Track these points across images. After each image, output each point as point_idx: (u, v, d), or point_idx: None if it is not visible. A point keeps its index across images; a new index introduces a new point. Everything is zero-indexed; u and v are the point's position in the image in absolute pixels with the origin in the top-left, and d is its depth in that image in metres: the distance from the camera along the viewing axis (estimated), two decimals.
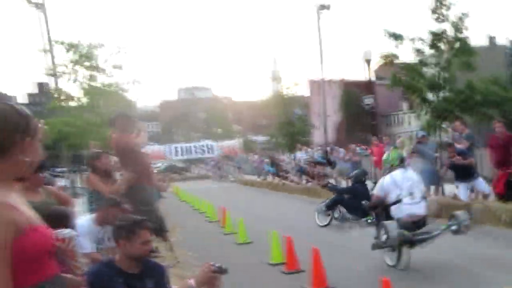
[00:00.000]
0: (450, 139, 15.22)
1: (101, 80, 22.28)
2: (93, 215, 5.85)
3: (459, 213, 8.03)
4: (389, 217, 7.89)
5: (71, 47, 21.65)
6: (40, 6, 24.85)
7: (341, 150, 21.73)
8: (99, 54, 21.87)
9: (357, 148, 23.41)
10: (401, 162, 8.36)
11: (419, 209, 7.86)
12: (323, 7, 30.78)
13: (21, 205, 1.99)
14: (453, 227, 7.75)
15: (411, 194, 7.87)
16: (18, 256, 1.88)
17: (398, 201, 7.85)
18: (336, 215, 12.83)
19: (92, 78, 22.07)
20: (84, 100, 22.50)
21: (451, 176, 13.25)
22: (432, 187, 14.18)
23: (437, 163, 14.65)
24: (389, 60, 17.08)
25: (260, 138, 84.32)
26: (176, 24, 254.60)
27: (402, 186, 7.90)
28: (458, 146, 12.89)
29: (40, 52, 23.06)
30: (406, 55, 17.76)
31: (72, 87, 22.48)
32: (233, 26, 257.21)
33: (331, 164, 21.80)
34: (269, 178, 28.30)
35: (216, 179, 39.33)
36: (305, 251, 7.79)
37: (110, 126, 7.49)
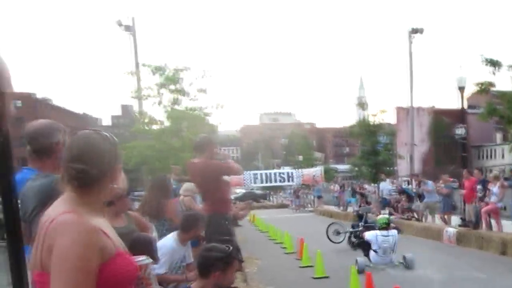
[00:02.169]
0: None
1: (185, 103, 22.72)
2: (177, 234, 6.03)
3: (409, 255, 11.83)
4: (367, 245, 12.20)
5: (157, 70, 22.25)
6: (129, 29, 25.64)
7: (430, 182, 21.01)
8: (184, 78, 22.37)
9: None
10: (387, 225, 12.23)
11: (386, 260, 11.80)
12: (415, 31, 30.25)
13: (109, 231, 2.10)
14: (404, 264, 11.71)
15: (384, 251, 11.81)
16: (103, 282, 1.97)
17: (375, 250, 11.85)
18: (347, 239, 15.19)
19: (176, 101, 22.52)
20: (167, 123, 22.91)
21: None
22: None
23: None
24: (484, 88, 16.52)
25: (342, 167, 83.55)
26: (260, 48, 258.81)
27: (380, 245, 11.84)
28: None
29: (127, 75, 23.54)
30: (503, 83, 17.16)
31: (156, 110, 23.03)
32: (319, 50, 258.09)
33: (419, 197, 21.18)
34: (351, 209, 27.91)
35: (294, 208, 39.19)
36: None
37: (195, 151, 7.49)
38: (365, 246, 12.27)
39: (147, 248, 5.16)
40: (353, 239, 14.60)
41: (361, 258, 11.76)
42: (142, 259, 2.85)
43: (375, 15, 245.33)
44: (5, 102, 1.96)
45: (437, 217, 19.34)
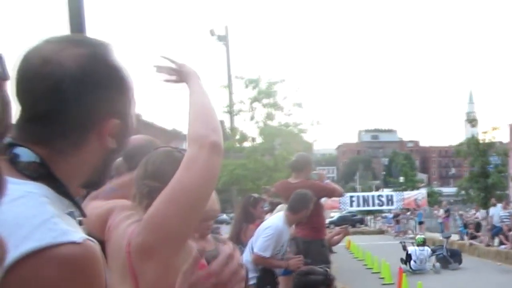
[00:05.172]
0: None
1: (278, 119, 22.52)
2: (285, 214, 6.07)
3: (437, 264, 17.51)
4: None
5: (250, 82, 22.18)
6: (223, 39, 25.55)
7: None
8: (279, 91, 22.22)
9: None
10: (423, 243, 17.75)
11: (422, 267, 16.95)
12: None
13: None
14: (434, 270, 17.20)
15: (421, 261, 17.02)
16: None
17: (414, 261, 17.08)
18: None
19: (269, 116, 22.35)
20: (260, 140, 22.74)
21: None
22: None
23: None
24: None
25: (448, 190, 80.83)
26: (361, 60, 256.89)
27: (418, 257, 17.08)
28: None
29: (222, 88, 23.31)
30: None
31: (249, 126, 22.95)
32: (424, 61, 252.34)
33: None
34: (454, 236, 26.90)
35: (394, 234, 38.25)
36: None
37: (292, 170, 7.46)
38: (408, 257, 17.26)
39: None
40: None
41: (403, 265, 16.41)
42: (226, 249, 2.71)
43: (487, 21, 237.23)
44: None
45: None
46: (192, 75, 2.09)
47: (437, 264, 17.45)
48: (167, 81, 2.17)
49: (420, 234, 34.60)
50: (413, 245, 17.95)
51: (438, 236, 30.11)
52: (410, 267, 16.86)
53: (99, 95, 1.22)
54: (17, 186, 1.10)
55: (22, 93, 1.21)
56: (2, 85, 0.95)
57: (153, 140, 3.45)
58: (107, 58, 1.26)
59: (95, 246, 1.12)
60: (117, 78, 1.27)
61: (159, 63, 2.18)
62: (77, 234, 1.09)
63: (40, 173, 1.16)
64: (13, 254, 1.00)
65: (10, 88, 1.10)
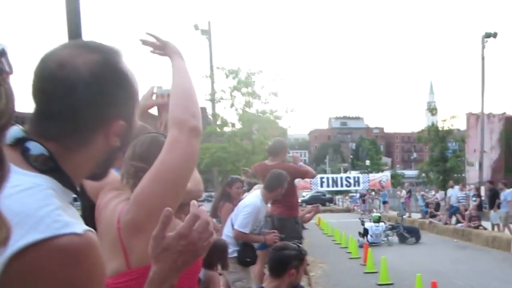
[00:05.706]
0: None
1: (256, 106, 22.77)
2: (262, 193, 6.09)
3: (391, 238, 18.52)
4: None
5: (231, 73, 22.34)
6: (206, 33, 25.68)
7: (509, 191, 19.51)
8: (257, 81, 22.43)
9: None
10: (378, 220, 18.48)
11: (377, 240, 17.78)
12: (489, 35, 29.23)
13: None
14: (387, 243, 18.24)
15: (376, 236, 17.92)
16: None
17: (371, 235, 17.90)
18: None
19: (248, 104, 22.59)
20: (239, 126, 23.01)
21: None
22: None
23: None
24: None
25: (410, 172, 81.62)
26: (330, 52, 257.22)
27: (374, 232, 17.99)
28: None
29: (203, 78, 23.54)
30: None
31: (229, 113, 23.20)
32: (389, 54, 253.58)
33: (491, 205, 20.13)
34: (415, 215, 27.21)
35: (361, 213, 38.62)
36: None
37: (268, 154, 7.50)
38: (365, 232, 18.17)
39: (222, 253, 5.22)
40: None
41: (361, 238, 17.77)
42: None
43: (447, 19, 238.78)
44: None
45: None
46: (175, 53, 2.12)
47: (390, 238, 18.57)
48: (152, 52, 2.19)
49: (381, 213, 35.18)
50: (370, 222, 18.76)
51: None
52: (367, 240, 17.50)
53: (108, 98, 1.24)
54: (26, 178, 1.11)
55: (38, 92, 1.22)
56: (6, 78, 0.94)
57: (145, 126, 3.49)
58: (117, 64, 1.27)
59: (96, 237, 1.12)
60: (125, 83, 1.28)
61: (144, 38, 2.20)
62: (79, 225, 1.08)
63: (49, 166, 1.16)
64: (18, 244, 0.99)
65: (14, 81, 1.10)
